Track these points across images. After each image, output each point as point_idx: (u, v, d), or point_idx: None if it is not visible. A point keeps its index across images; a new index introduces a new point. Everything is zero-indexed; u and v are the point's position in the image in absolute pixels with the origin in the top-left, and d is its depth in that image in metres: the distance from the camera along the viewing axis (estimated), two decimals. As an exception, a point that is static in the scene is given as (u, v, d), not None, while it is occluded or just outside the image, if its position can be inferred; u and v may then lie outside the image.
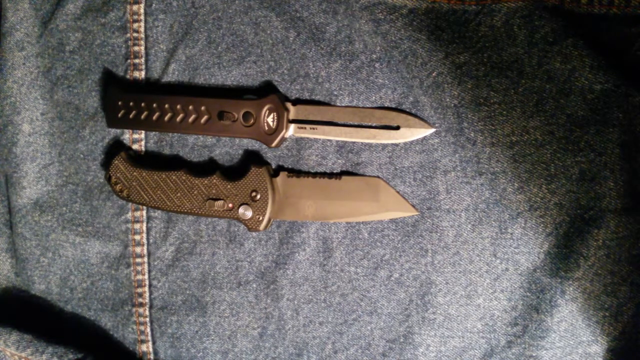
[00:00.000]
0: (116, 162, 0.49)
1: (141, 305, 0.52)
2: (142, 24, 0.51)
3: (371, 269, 0.49)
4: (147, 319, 0.52)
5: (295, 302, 0.50)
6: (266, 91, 0.49)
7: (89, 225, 0.52)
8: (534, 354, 0.47)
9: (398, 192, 0.48)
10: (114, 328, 0.52)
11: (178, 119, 0.48)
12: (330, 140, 0.49)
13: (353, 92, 0.48)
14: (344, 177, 0.48)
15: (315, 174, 0.49)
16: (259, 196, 0.48)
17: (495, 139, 0.47)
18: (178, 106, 0.48)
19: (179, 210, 0.49)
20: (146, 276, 0.51)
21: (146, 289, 0.52)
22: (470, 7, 0.47)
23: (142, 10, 0.50)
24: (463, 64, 0.47)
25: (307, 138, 0.49)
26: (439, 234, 0.48)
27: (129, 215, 0.51)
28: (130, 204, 0.51)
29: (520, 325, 0.47)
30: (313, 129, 0.48)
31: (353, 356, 0.50)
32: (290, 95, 0.49)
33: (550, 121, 0.46)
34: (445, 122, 0.47)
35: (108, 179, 0.49)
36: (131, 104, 0.49)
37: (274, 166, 0.50)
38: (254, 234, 0.50)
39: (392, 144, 0.48)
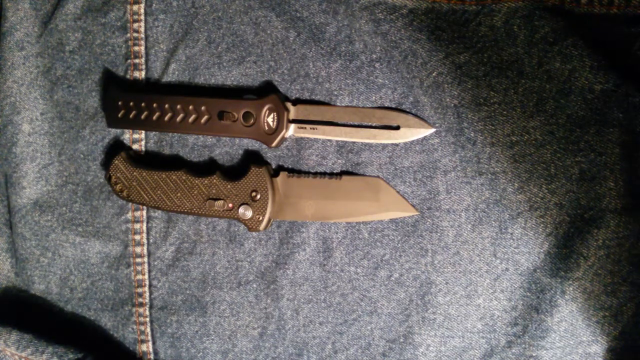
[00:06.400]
0: (116, 162, 0.49)
1: (141, 305, 0.52)
2: (142, 24, 0.51)
3: (371, 269, 0.49)
4: (147, 319, 0.52)
5: (295, 302, 0.50)
6: (266, 91, 0.49)
7: (89, 225, 0.52)
8: (534, 354, 0.47)
9: (398, 192, 0.48)
10: (114, 328, 0.52)
11: (178, 119, 0.48)
12: (330, 140, 0.49)
13: (353, 92, 0.48)
14: (344, 177, 0.48)
15: (315, 174, 0.49)
16: (259, 196, 0.48)
17: (495, 139, 0.47)
18: (178, 106, 0.48)
19: (179, 210, 0.49)
20: (146, 276, 0.51)
21: (146, 288, 0.52)
22: (470, 7, 0.47)
23: (142, 10, 0.50)
24: (463, 64, 0.47)
25: (307, 138, 0.49)
26: (439, 234, 0.48)
27: (129, 215, 0.51)
28: (130, 204, 0.51)
29: (520, 325, 0.47)
30: (313, 129, 0.48)
31: (353, 356, 0.50)
32: (290, 95, 0.49)
33: (550, 121, 0.46)
34: (445, 122, 0.47)
35: (108, 179, 0.49)
36: (131, 104, 0.49)
37: (274, 166, 0.50)
38: (254, 234, 0.50)
39: (392, 144, 0.48)
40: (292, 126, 0.48)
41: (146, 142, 0.51)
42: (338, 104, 0.49)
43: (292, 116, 0.48)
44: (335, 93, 0.48)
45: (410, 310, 0.48)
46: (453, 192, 0.47)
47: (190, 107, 0.48)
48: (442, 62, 0.47)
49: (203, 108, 0.48)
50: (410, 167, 0.48)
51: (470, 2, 0.47)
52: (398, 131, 0.47)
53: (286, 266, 0.50)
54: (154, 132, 0.51)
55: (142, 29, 0.51)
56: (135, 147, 0.51)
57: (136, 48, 0.51)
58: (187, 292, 0.51)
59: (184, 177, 0.48)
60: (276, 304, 0.50)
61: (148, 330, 0.52)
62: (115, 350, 0.52)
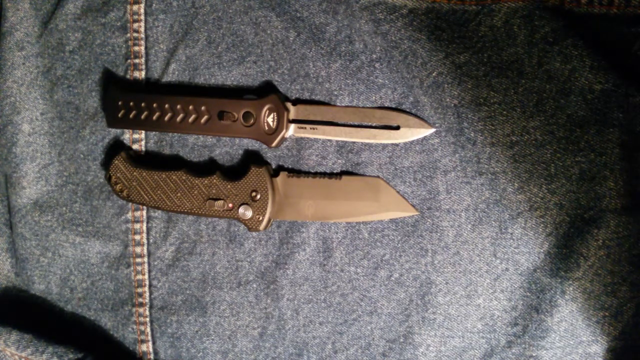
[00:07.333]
0: (116, 162, 0.49)
1: (141, 305, 0.52)
2: (142, 24, 0.51)
3: (371, 269, 0.49)
4: (147, 319, 0.52)
5: (295, 302, 0.50)
6: (266, 91, 0.49)
7: (89, 225, 0.52)
8: (534, 354, 0.47)
9: (398, 192, 0.48)
10: (114, 328, 0.52)
11: (178, 119, 0.48)
12: (330, 140, 0.49)
13: (353, 92, 0.48)
14: (344, 177, 0.48)
15: (315, 174, 0.49)
16: (259, 196, 0.48)
17: (495, 139, 0.47)
18: (178, 106, 0.48)
19: (179, 210, 0.49)
20: (146, 276, 0.51)
21: (146, 288, 0.52)
22: (470, 7, 0.47)
23: (142, 10, 0.50)
24: (463, 64, 0.47)
25: (307, 138, 0.49)
26: (439, 234, 0.48)
27: (129, 215, 0.51)
28: (130, 204, 0.51)
29: (520, 325, 0.47)
30: (313, 129, 0.48)
31: (353, 356, 0.50)
32: (290, 95, 0.49)
33: (550, 121, 0.46)
34: (445, 122, 0.47)
35: (108, 179, 0.49)
36: (131, 104, 0.49)
37: (274, 166, 0.50)
38: (254, 234, 0.50)
39: (392, 144, 0.48)
40: (292, 126, 0.48)
41: (146, 142, 0.51)
42: (338, 104, 0.49)
43: (292, 116, 0.48)
44: (335, 93, 0.48)
45: (410, 310, 0.48)
46: (453, 192, 0.47)
47: (190, 107, 0.48)
48: (442, 62, 0.47)
49: (203, 108, 0.48)
50: (410, 167, 0.48)
51: (470, 2, 0.47)
52: (398, 131, 0.47)
53: (286, 266, 0.50)
54: (154, 132, 0.51)
55: (142, 29, 0.51)
56: (135, 147, 0.51)
57: (136, 48, 0.51)
58: (187, 292, 0.51)
59: (184, 177, 0.48)
60: (276, 304, 0.50)
61: (148, 330, 0.52)
62: (115, 350, 0.52)
